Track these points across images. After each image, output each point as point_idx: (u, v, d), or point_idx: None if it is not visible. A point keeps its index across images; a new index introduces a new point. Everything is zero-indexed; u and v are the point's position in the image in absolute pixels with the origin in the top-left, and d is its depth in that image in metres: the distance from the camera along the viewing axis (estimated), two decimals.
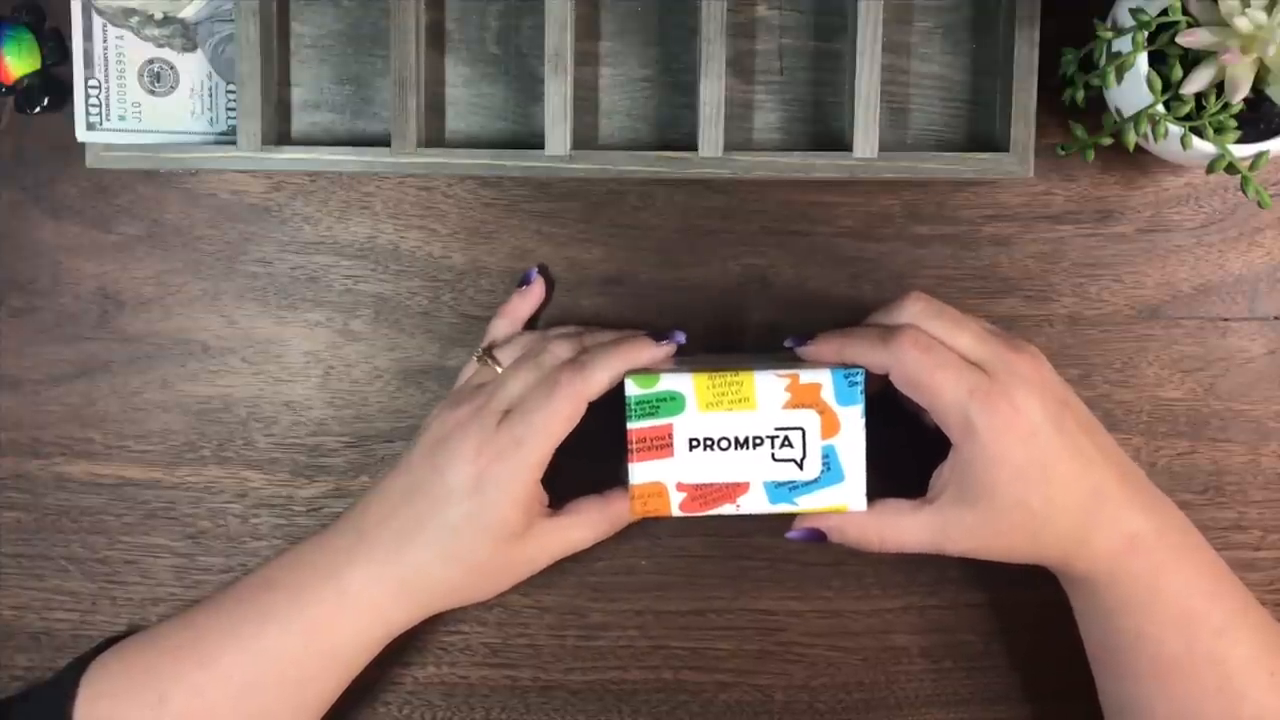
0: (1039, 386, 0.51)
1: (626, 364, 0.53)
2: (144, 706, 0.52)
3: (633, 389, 0.52)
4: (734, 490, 0.53)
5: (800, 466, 0.53)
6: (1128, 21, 0.52)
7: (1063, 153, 0.57)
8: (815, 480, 0.53)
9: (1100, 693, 0.56)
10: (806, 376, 0.52)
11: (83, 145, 0.59)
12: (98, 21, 0.59)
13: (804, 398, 0.52)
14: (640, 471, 0.53)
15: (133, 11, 0.59)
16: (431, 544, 0.52)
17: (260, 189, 0.61)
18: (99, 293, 0.61)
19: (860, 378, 0.52)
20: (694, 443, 0.52)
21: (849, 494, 0.53)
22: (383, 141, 0.58)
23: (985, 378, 0.50)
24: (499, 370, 0.56)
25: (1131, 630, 0.52)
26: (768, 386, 0.52)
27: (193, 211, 0.61)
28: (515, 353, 0.57)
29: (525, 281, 0.60)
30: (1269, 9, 0.48)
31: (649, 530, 0.61)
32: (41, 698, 0.54)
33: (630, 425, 0.52)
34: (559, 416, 0.52)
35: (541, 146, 0.58)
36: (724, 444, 0.52)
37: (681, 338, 0.55)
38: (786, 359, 0.55)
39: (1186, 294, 0.60)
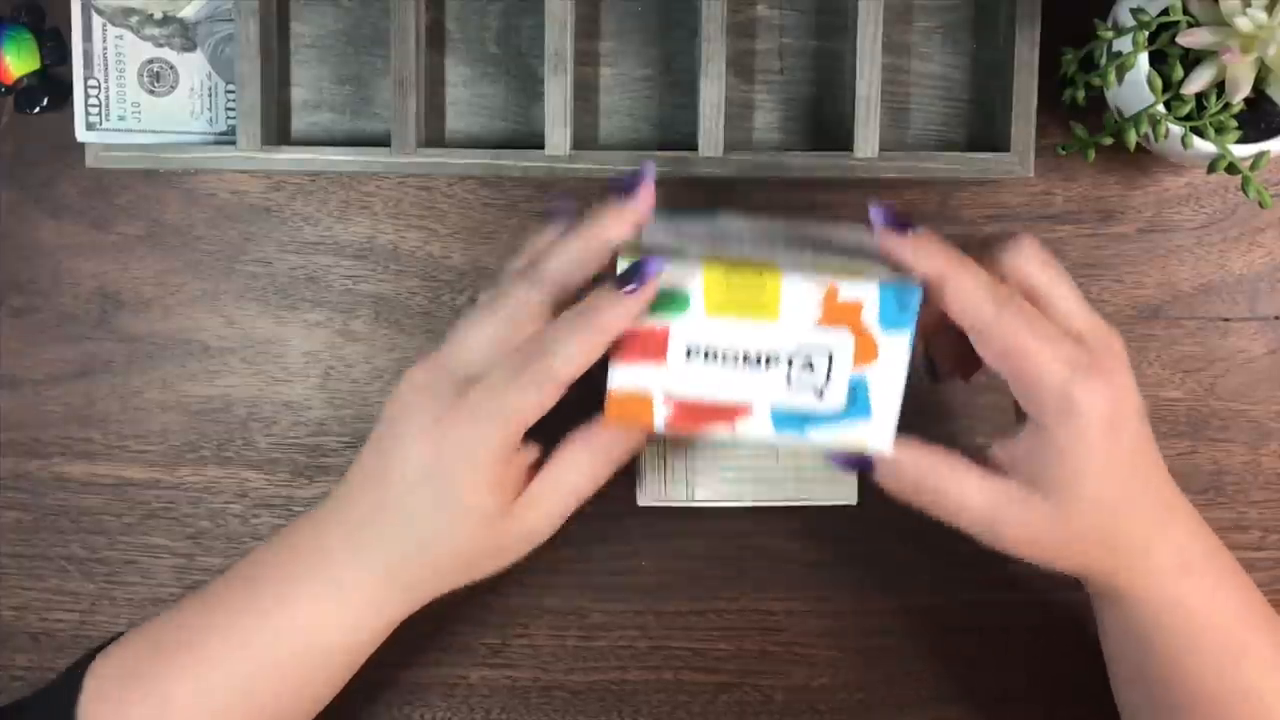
0: (1128, 371, 0.46)
1: (599, 340, 0.44)
2: (148, 705, 0.51)
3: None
4: (733, 412, 0.45)
5: (820, 396, 0.44)
6: (1128, 21, 0.52)
7: (1063, 153, 0.57)
8: (835, 414, 0.44)
9: (1118, 697, 0.54)
10: (848, 291, 0.43)
11: (82, 145, 0.59)
12: (97, 21, 0.59)
13: (839, 315, 0.43)
14: (622, 375, 0.44)
15: (132, 11, 0.59)
16: (402, 533, 0.48)
17: (260, 189, 0.61)
18: (99, 293, 0.61)
19: (915, 299, 0.43)
20: (693, 351, 0.44)
21: (873, 433, 0.44)
22: (383, 141, 0.58)
23: (1088, 354, 0.45)
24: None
25: (1171, 659, 0.49)
26: (797, 296, 0.43)
27: (192, 211, 0.61)
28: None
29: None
30: (1270, 8, 0.48)
31: (649, 530, 0.61)
32: (46, 701, 0.53)
33: None
34: (528, 406, 0.45)
35: (541, 146, 0.58)
36: (730, 357, 0.44)
37: (651, 168, 0.46)
38: (831, 248, 0.45)
39: (1187, 294, 0.60)
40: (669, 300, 0.44)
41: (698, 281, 0.43)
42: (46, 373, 0.61)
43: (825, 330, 0.43)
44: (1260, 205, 0.53)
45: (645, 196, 0.46)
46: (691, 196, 0.60)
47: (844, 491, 0.54)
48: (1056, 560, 0.48)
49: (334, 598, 0.50)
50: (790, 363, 0.44)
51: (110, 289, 0.61)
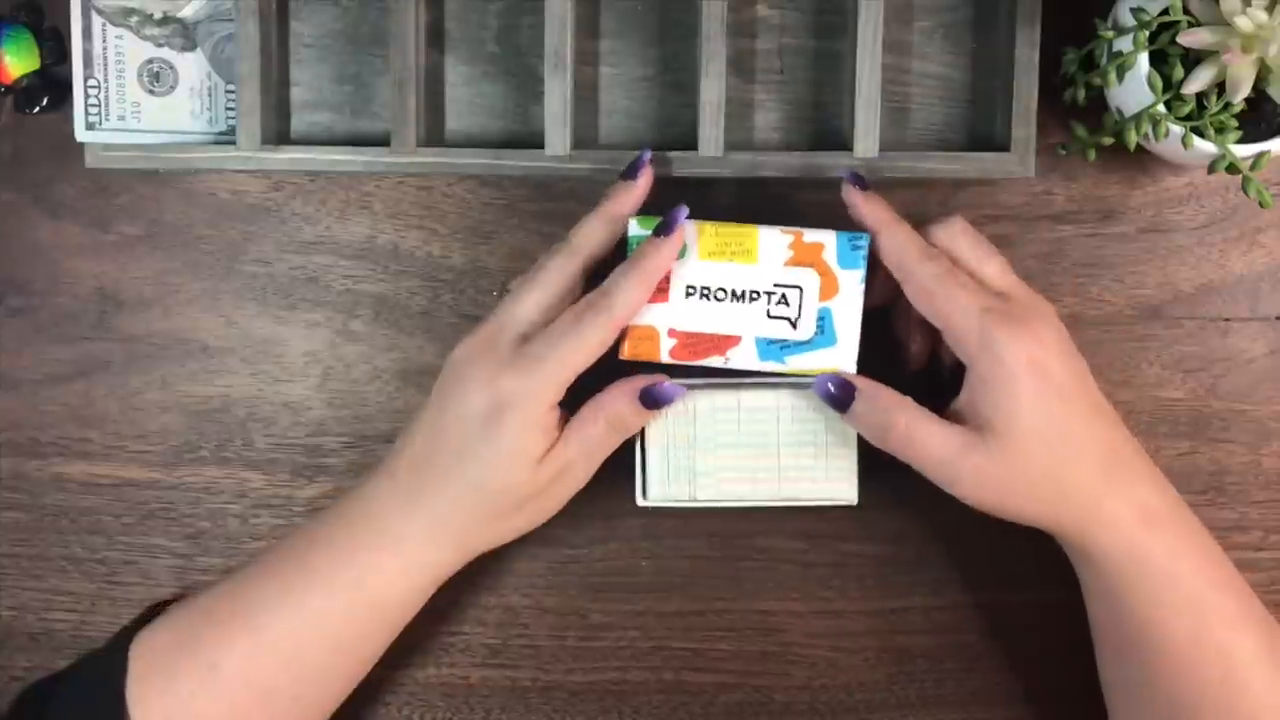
0: (1057, 330, 0.51)
1: (649, 279, 0.52)
2: (196, 676, 0.51)
3: (635, 229, 0.53)
4: (724, 343, 0.53)
5: (794, 326, 0.53)
6: (1129, 21, 0.52)
7: (1064, 152, 0.57)
8: (807, 341, 0.53)
9: (1101, 669, 0.55)
10: (811, 236, 0.53)
11: (82, 145, 0.59)
12: (97, 21, 0.59)
13: (805, 256, 0.53)
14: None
15: (132, 11, 0.59)
16: (458, 479, 0.52)
17: (260, 189, 0.61)
18: (98, 293, 0.61)
19: (864, 242, 0.53)
20: (691, 290, 0.53)
21: (840, 358, 0.53)
22: (382, 141, 0.58)
23: (1004, 302, 0.51)
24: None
25: (1141, 614, 0.51)
26: (771, 241, 0.53)
27: (192, 211, 0.61)
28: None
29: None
30: (1270, 8, 0.48)
31: (650, 530, 0.61)
32: (93, 671, 0.53)
33: None
34: (588, 346, 0.51)
35: (541, 146, 0.58)
36: (720, 294, 0.53)
37: (648, 155, 0.54)
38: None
39: (1188, 294, 0.60)
40: None
41: (693, 233, 0.53)
42: (45, 373, 0.61)
43: (795, 270, 0.53)
44: (1261, 205, 0.53)
45: (645, 176, 0.54)
46: (692, 196, 0.60)
47: (844, 491, 0.55)
48: (1012, 507, 0.51)
49: (387, 549, 0.52)
50: (769, 298, 0.53)
51: (109, 289, 0.61)
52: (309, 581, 0.52)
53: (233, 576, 0.54)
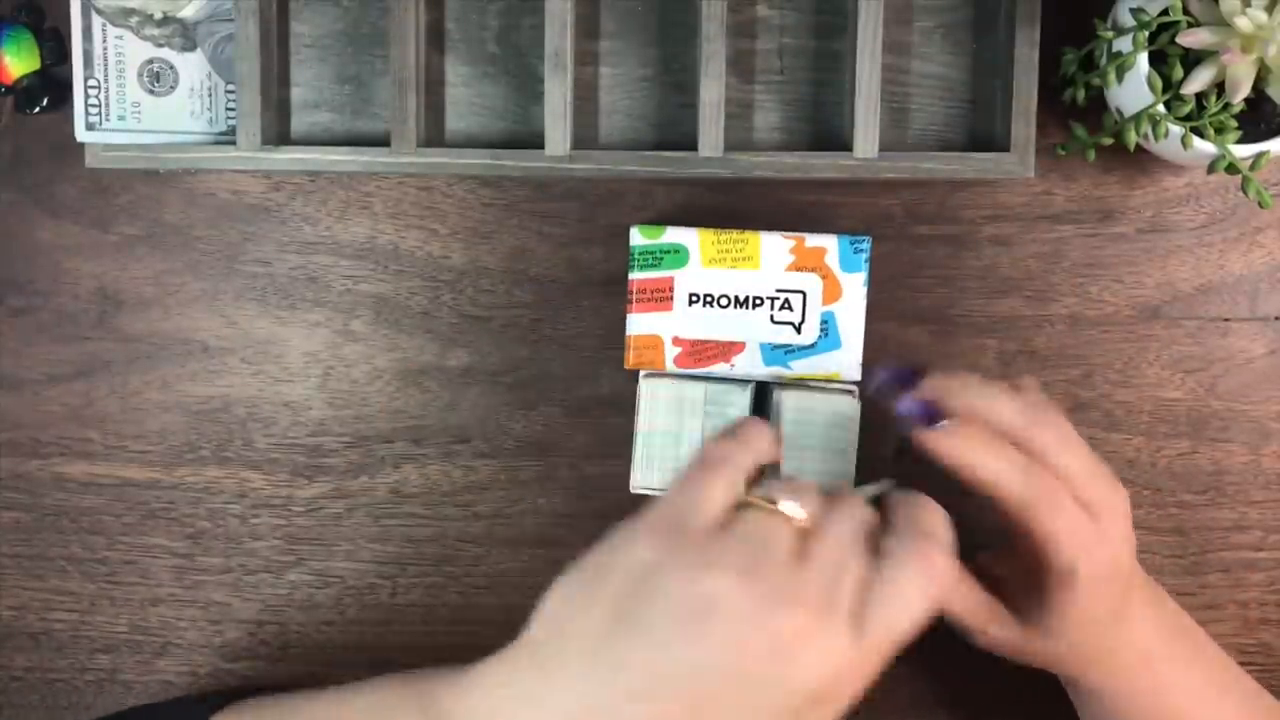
0: (1129, 523, 0.50)
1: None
2: None
3: (637, 238, 0.54)
4: (729, 349, 0.54)
5: (798, 330, 0.54)
6: (1128, 21, 0.52)
7: (1063, 153, 0.57)
8: (812, 346, 0.54)
9: None
10: (813, 240, 0.54)
11: (82, 145, 0.59)
12: (97, 21, 0.59)
13: (808, 261, 0.54)
14: (638, 323, 0.54)
15: (132, 11, 0.59)
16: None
17: (260, 189, 0.61)
18: (98, 293, 0.61)
19: (866, 245, 0.54)
20: (694, 298, 0.54)
21: (844, 363, 0.54)
22: (382, 141, 0.58)
23: (1093, 525, 0.48)
24: (791, 519, 0.44)
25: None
26: (773, 246, 0.53)
27: (192, 211, 0.61)
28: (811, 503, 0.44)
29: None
30: (1269, 8, 0.48)
31: None
32: None
33: (632, 275, 0.54)
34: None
35: (541, 146, 0.58)
36: (724, 301, 0.54)
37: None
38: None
39: (1187, 294, 0.60)
40: (672, 255, 0.54)
41: (694, 240, 0.53)
42: (46, 373, 0.61)
43: (797, 274, 0.54)
44: (1260, 205, 0.53)
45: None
46: (692, 196, 0.60)
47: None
48: (1028, 662, 0.53)
49: None
50: (772, 303, 0.54)
51: (110, 289, 0.61)
52: None
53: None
